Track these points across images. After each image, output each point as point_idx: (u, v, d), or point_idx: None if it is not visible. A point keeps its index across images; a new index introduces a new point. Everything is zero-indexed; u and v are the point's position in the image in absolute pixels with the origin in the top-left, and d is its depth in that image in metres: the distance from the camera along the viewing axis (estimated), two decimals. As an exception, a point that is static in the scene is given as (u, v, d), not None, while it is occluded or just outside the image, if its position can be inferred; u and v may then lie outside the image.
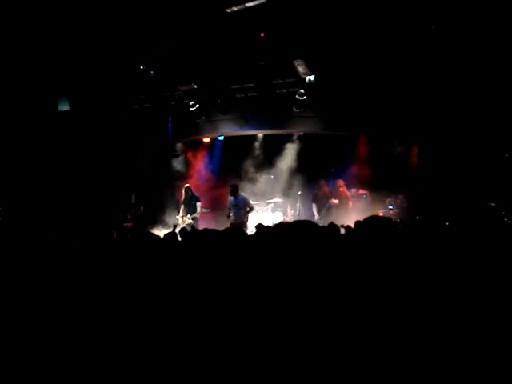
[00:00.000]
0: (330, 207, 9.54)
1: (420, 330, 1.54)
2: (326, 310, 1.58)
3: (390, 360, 1.45)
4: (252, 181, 10.56)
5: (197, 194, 9.66)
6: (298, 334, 1.51)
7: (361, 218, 2.53)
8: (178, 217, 9.55)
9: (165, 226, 9.96)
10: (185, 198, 9.55)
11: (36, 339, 1.81)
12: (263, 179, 10.74)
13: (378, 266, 1.93)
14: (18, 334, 1.84)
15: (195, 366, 1.59)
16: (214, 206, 10.52)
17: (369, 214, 3.53)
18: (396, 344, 1.49)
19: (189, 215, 9.31)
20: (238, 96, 9.55)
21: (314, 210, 9.79)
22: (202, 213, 9.58)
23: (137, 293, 1.98)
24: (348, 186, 9.87)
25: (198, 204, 9.50)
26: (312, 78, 8.50)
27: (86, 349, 1.74)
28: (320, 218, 9.48)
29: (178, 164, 11.48)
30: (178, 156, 11.38)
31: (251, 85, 9.30)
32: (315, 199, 9.84)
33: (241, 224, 8.77)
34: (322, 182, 9.84)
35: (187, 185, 9.68)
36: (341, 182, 9.70)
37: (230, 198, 9.27)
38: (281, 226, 2.14)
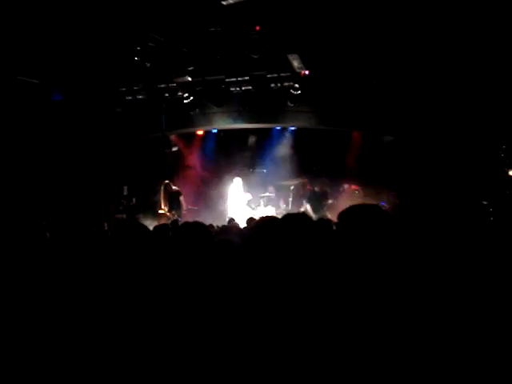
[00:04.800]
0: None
1: (416, 327, 1.55)
2: (314, 304, 1.59)
3: (385, 356, 1.46)
4: (244, 175, 10.56)
5: (176, 188, 9.63)
6: (292, 330, 1.53)
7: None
8: (161, 211, 9.53)
9: (156, 217, 9.94)
10: (165, 195, 9.53)
11: (29, 335, 1.81)
12: (256, 173, 10.74)
13: (368, 261, 1.93)
14: (10, 331, 1.84)
15: (188, 363, 1.60)
16: (202, 201, 10.53)
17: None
18: (391, 340, 1.50)
19: (174, 211, 9.28)
20: (232, 89, 9.50)
21: (309, 209, 9.16)
22: (187, 209, 9.61)
23: (128, 287, 1.99)
24: (340, 182, 9.89)
25: (181, 198, 9.50)
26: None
27: (78, 346, 1.74)
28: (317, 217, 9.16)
29: (170, 156, 11.42)
30: (170, 148, 11.32)
31: (246, 78, 9.27)
32: (310, 199, 9.29)
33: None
34: (324, 181, 9.39)
35: (166, 181, 9.65)
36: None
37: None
38: (264, 221, 2.12)
